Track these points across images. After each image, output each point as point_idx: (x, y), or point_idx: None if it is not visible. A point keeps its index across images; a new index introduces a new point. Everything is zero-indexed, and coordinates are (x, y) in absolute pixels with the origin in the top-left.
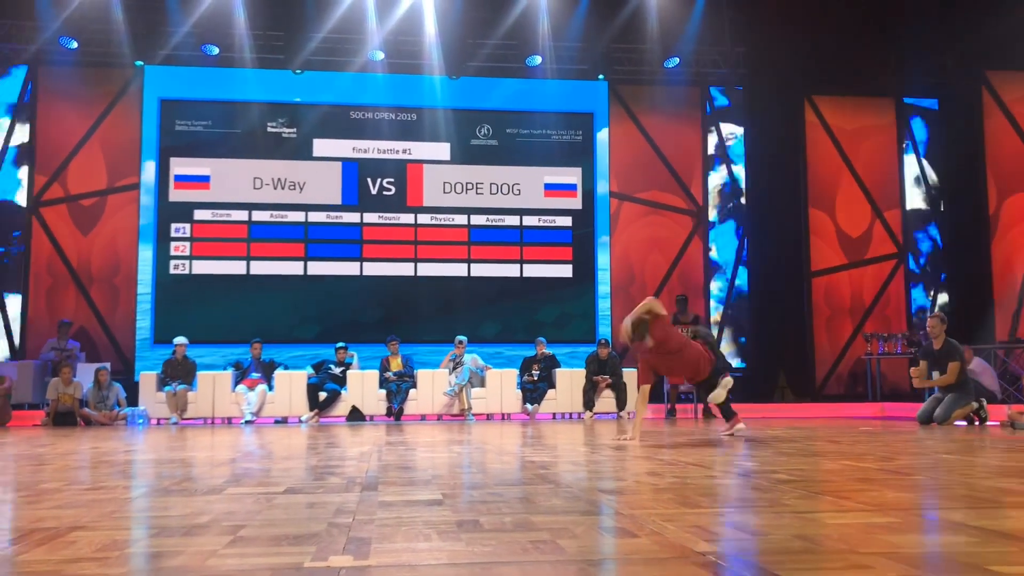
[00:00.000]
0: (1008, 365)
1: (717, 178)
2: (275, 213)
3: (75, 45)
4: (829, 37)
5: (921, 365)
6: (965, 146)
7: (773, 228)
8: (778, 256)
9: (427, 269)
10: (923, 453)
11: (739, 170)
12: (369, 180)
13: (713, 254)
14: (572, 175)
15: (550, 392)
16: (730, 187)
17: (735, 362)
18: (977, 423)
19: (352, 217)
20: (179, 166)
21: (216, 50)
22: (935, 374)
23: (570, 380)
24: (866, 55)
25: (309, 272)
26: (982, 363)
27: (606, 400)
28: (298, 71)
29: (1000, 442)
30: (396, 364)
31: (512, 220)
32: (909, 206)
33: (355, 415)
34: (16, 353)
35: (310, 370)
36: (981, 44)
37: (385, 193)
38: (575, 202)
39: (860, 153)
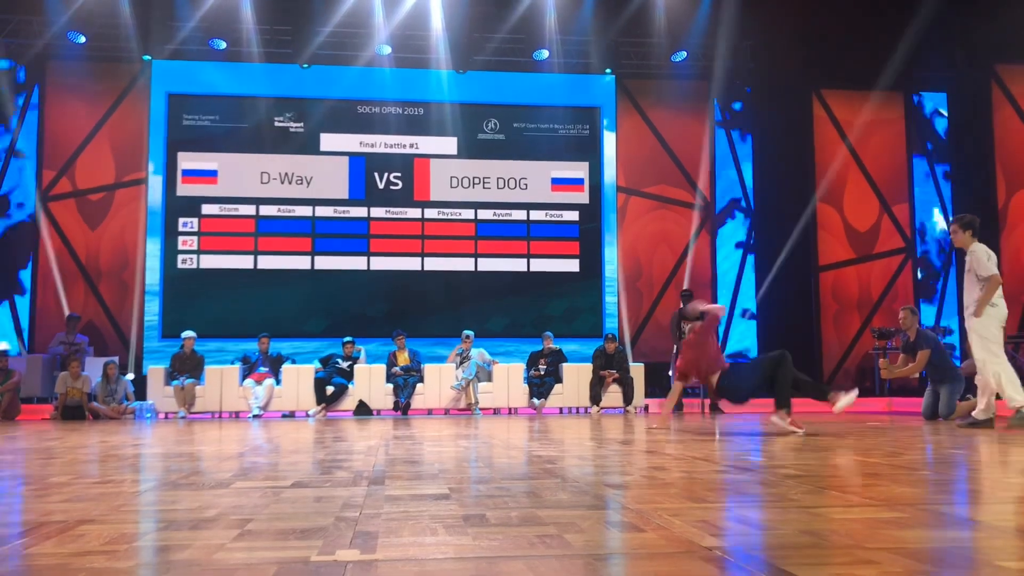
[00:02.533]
0: (1017, 360)
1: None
2: (282, 207)
3: (83, 40)
4: (837, 31)
5: (900, 358)
6: (974, 140)
7: (781, 222)
8: (786, 250)
9: (434, 263)
10: (930, 448)
11: (746, 164)
12: (376, 174)
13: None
14: (579, 169)
15: (557, 387)
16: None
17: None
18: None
19: (359, 212)
20: (187, 160)
21: (223, 44)
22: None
23: (577, 374)
24: (874, 49)
25: (316, 267)
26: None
27: (613, 395)
28: (305, 65)
29: (1008, 437)
30: (403, 359)
31: (519, 214)
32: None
33: (362, 409)
34: (25, 347)
35: (317, 364)
36: (990, 37)
37: (392, 188)
38: (582, 196)
39: (868, 147)
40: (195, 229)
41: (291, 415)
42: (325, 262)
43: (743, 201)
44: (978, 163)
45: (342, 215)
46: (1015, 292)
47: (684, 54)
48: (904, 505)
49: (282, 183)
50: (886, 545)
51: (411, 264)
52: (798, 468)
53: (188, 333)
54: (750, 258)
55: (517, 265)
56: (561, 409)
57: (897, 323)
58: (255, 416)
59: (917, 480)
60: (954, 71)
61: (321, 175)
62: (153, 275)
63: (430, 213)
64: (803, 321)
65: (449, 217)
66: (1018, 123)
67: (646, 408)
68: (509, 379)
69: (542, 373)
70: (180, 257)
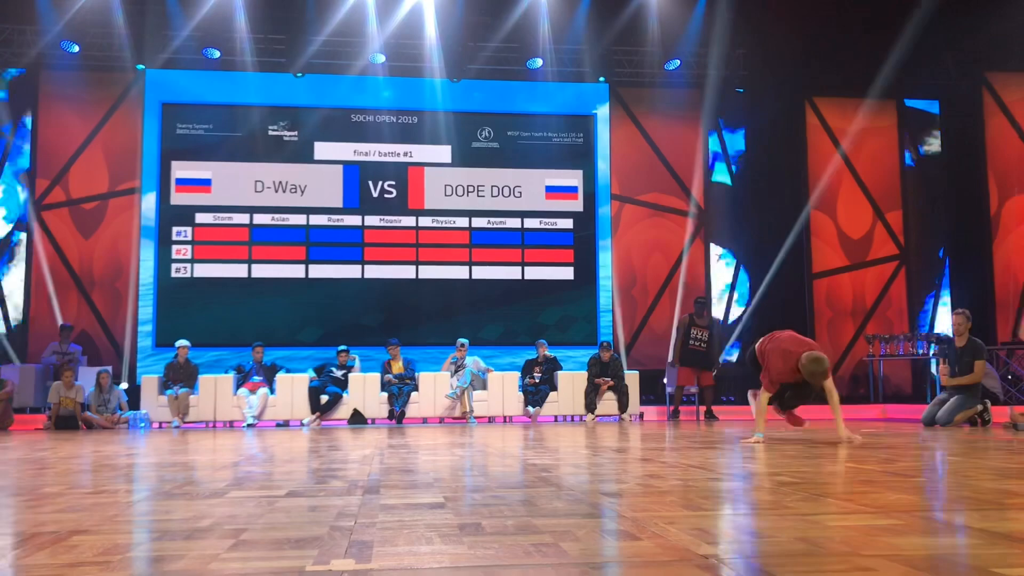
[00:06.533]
0: (1010, 366)
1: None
2: (276, 216)
3: (77, 49)
4: (830, 39)
5: (943, 365)
6: (966, 147)
7: (774, 230)
8: (779, 258)
9: (429, 272)
10: (926, 455)
11: (740, 172)
12: (370, 183)
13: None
14: (573, 177)
15: (552, 395)
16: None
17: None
18: (980, 424)
19: (353, 220)
20: (180, 169)
21: (217, 53)
22: (956, 372)
23: (572, 382)
24: (867, 57)
25: (311, 275)
26: (984, 364)
27: (608, 402)
28: (299, 74)
29: (1003, 444)
30: (397, 367)
31: (513, 223)
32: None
33: (357, 418)
34: (18, 357)
35: (312, 373)
36: (982, 45)
37: (386, 196)
38: (576, 204)
39: (861, 155)
40: (189, 238)
41: (285, 424)
42: (319, 271)
43: (736, 208)
44: (971, 170)
45: (336, 223)
46: (1008, 298)
47: (677, 62)
48: (900, 512)
49: (276, 192)
50: (882, 552)
51: (405, 272)
52: (793, 475)
53: (182, 342)
54: (744, 265)
55: (512, 273)
56: (556, 417)
57: (892, 328)
58: (249, 425)
59: (913, 487)
60: (946, 79)
61: (315, 184)
62: (147, 284)
63: (424, 221)
64: (797, 328)
65: (443, 225)
66: (1010, 130)
67: (641, 416)
68: (504, 387)
69: (537, 381)
70: (174, 266)
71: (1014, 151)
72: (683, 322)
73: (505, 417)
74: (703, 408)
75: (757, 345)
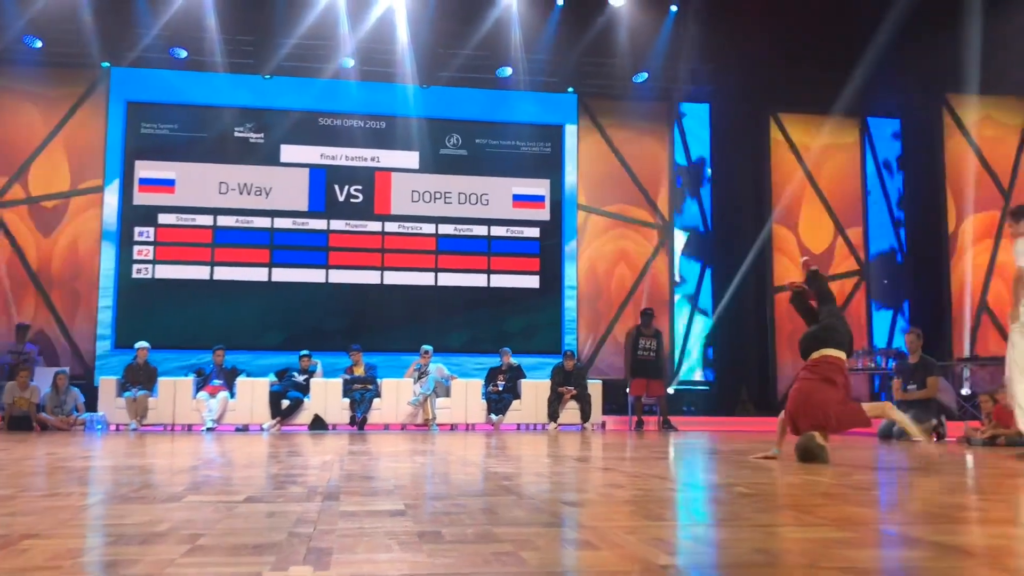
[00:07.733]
0: (965, 381)
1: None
2: (240, 218)
3: (40, 44)
4: (795, 56)
5: (895, 381)
6: (926, 166)
7: (737, 244)
8: (742, 271)
9: (394, 278)
10: (882, 469)
11: (704, 185)
12: (336, 187)
13: (677, 269)
14: (540, 186)
15: (515, 403)
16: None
17: (699, 375)
18: (935, 439)
19: (319, 224)
20: (144, 169)
21: (185, 53)
22: (911, 387)
23: (535, 391)
24: (832, 74)
25: (274, 279)
26: (941, 380)
27: (571, 411)
28: (268, 76)
29: (957, 458)
30: (359, 373)
31: (480, 230)
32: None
33: (318, 424)
34: None
35: (273, 377)
36: (942, 68)
37: (352, 200)
38: (543, 213)
39: (824, 171)
40: (151, 239)
41: (245, 429)
42: (283, 274)
43: (701, 222)
44: (930, 189)
45: (301, 227)
46: (964, 315)
47: (645, 75)
48: (856, 524)
49: (241, 194)
50: (839, 564)
51: (370, 278)
52: (751, 487)
53: (141, 344)
54: (707, 278)
55: (477, 280)
56: (519, 425)
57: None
58: (208, 429)
59: (869, 500)
60: (908, 99)
61: (280, 186)
62: (107, 284)
63: (390, 227)
64: (758, 341)
65: (410, 231)
66: (968, 151)
67: (603, 425)
68: (467, 395)
69: (500, 389)
70: (135, 267)
71: (972, 171)
72: (630, 333)
73: (468, 425)
74: (660, 419)
75: (800, 371)
